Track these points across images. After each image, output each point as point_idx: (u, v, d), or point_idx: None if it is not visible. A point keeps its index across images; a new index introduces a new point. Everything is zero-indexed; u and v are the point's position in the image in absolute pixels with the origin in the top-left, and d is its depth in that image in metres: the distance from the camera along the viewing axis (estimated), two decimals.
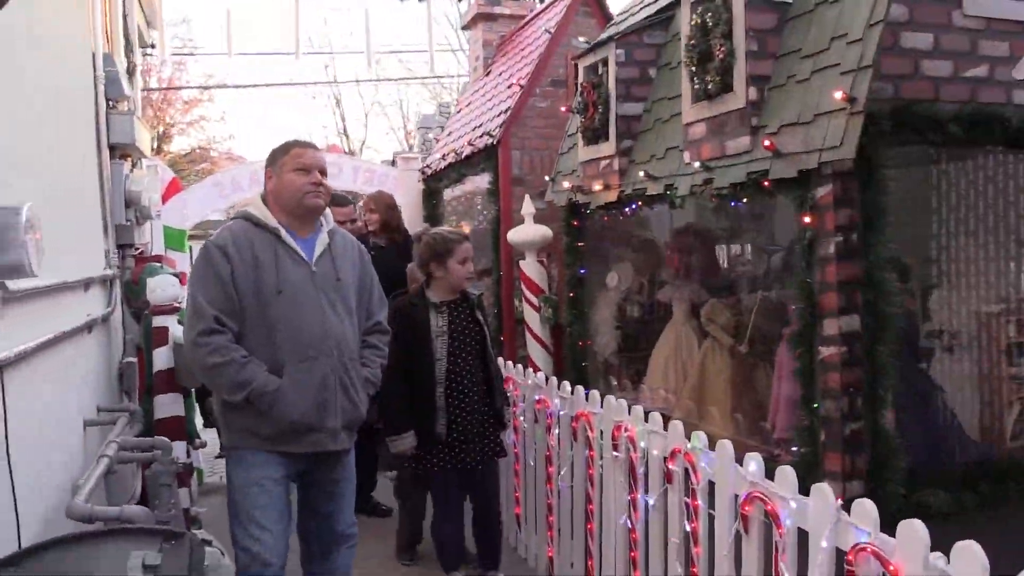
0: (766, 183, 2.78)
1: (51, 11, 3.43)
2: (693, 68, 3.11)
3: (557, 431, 3.45)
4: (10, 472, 2.22)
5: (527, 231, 4.97)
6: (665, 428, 2.77)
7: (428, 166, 7.11)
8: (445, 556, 3.47)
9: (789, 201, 2.73)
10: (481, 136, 5.79)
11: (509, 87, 5.84)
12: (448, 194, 7.01)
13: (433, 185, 7.05)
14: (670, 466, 2.80)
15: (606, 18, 5.73)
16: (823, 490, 2.16)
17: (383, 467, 4.81)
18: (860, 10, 2.57)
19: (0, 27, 2.21)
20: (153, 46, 8.16)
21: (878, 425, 2.58)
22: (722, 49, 2.93)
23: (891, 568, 1.92)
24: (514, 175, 5.53)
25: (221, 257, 2.57)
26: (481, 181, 5.96)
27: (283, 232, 2.63)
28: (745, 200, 3.01)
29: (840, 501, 2.12)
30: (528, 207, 5.00)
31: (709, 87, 3.02)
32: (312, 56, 18.52)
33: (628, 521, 3.03)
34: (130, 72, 6.12)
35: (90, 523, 2.57)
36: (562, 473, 3.45)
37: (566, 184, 4.42)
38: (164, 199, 6.42)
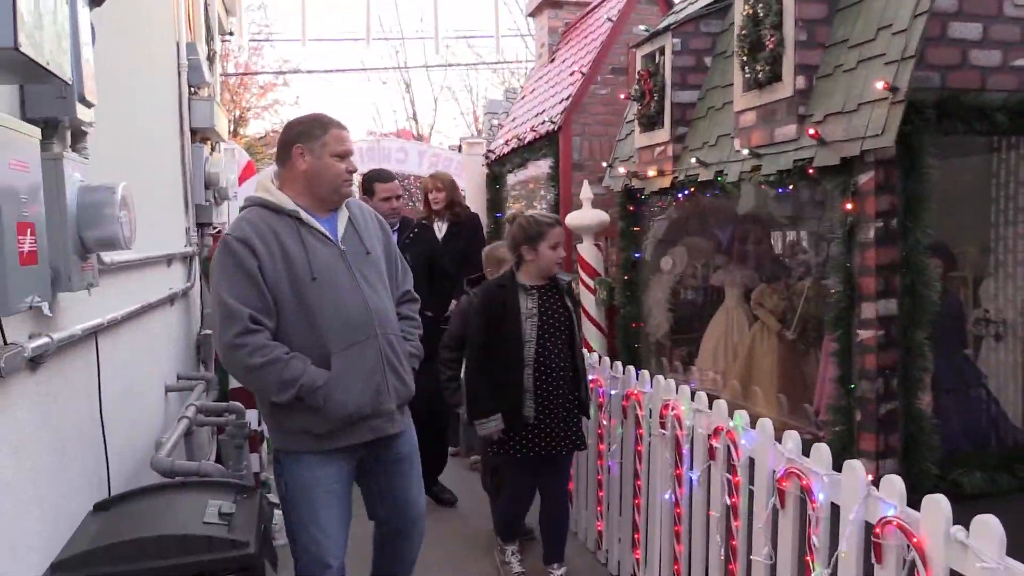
0: (811, 171, 2.85)
1: (141, 3, 3.72)
2: (744, 57, 3.19)
3: (608, 410, 3.56)
4: (103, 428, 2.49)
5: (585, 215, 5.10)
6: (711, 408, 2.87)
7: (492, 151, 7.29)
8: (505, 532, 3.52)
9: (833, 188, 2.80)
10: (543, 122, 5.93)
11: (571, 74, 5.96)
12: (511, 179, 7.17)
13: (497, 170, 7.23)
14: (713, 443, 2.90)
15: (668, 6, 5.79)
16: (854, 467, 2.26)
17: (468, 451, 4.94)
18: (906, 1, 2.61)
19: (98, 20, 2.45)
20: (231, 33, 8.53)
21: (912, 406, 2.64)
22: (772, 39, 3.01)
23: (915, 540, 2.01)
24: (574, 161, 5.66)
25: (246, 251, 2.40)
26: (543, 166, 6.11)
27: (303, 214, 2.49)
28: (791, 187, 3.08)
29: (871, 477, 2.22)
30: (587, 192, 5.13)
31: (759, 76, 3.10)
32: (384, 41, 18.86)
33: (673, 496, 3.16)
34: (210, 59, 6.47)
35: (171, 476, 2.83)
36: (611, 449, 3.55)
37: (622, 170, 4.53)
38: (240, 181, 6.75)
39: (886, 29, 2.65)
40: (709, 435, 2.92)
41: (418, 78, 24.96)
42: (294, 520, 2.54)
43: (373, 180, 4.31)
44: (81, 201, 2.14)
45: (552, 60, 7.15)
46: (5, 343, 1.71)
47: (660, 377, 3.16)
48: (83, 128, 2.35)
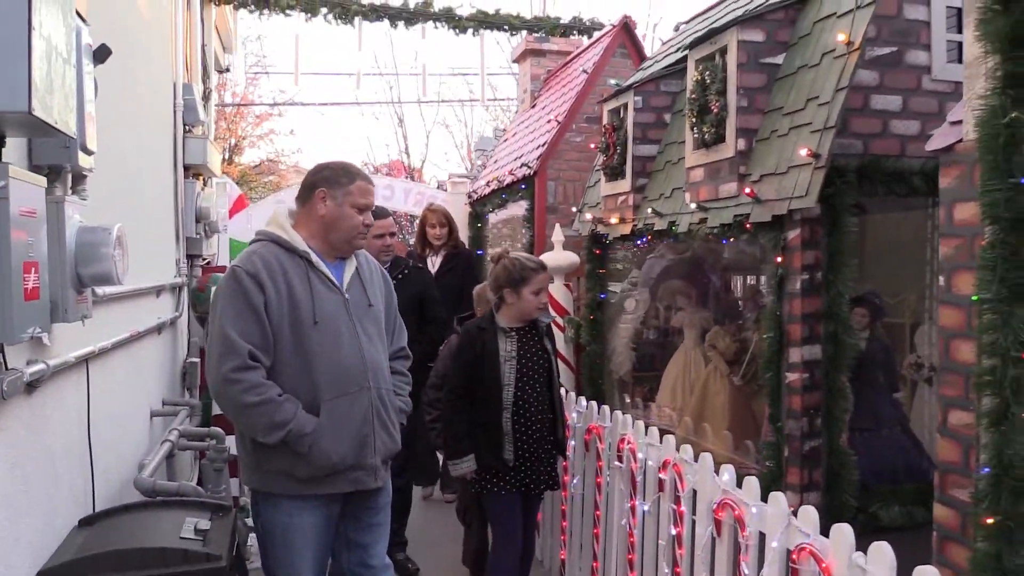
0: (748, 225, 3.13)
1: (142, 48, 4.00)
2: (693, 119, 3.48)
3: (573, 442, 3.67)
4: (90, 449, 2.69)
5: (556, 256, 5.36)
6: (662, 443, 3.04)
7: (475, 191, 7.58)
8: None
9: (767, 242, 3.07)
10: (521, 166, 6.23)
11: (548, 121, 6.28)
12: (492, 218, 7.45)
13: (479, 209, 7.52)
14: (661, 476, 3.11)
15: (641, 59, 6.12)
16: (778, 498, 2.49)
17: (443, 489, 4.92)
18: (831, 76, 2.91)
19: (101, 67, 2.70)
20: (228, 69, 8.84)
21: (834, 443, 2.89)
22: (717, 103, 3.30)
23: (823, 565, 2.25)
24: (549, 204, 5.95)
25: (254, 286, 2.39)
26: (520, 208, 6.40)
27: (314, 257, 2.48)
28: (732, 239, 3.36)
29: (792, 509, 2.45)
30: (558, 234, 5.40)
31: (706, 136, 3.39)
32: (378, 77, 19.28)
33: (628, 525, 3.35)
34: (205, 96, 6.77)
35: (152, 495, 3.02)
36: (575, 481, 3.70)
37: (588, 216, 4.81)
38: (231, 214, 6.99)
39: (813, 100, 2.94)
40: (659, 468, 3.13)
41: (411, 112, 25.36)
42: (270, 561, 2.52)
43: None
44: (79, 240, 2.36)
45: (533, 106, 7.48)
46: (7, 368, 1.94)
47: (618, 412, 3.32)
48: (83, 172, 2.60)
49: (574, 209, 5.34)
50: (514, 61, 8.16)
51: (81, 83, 2.36)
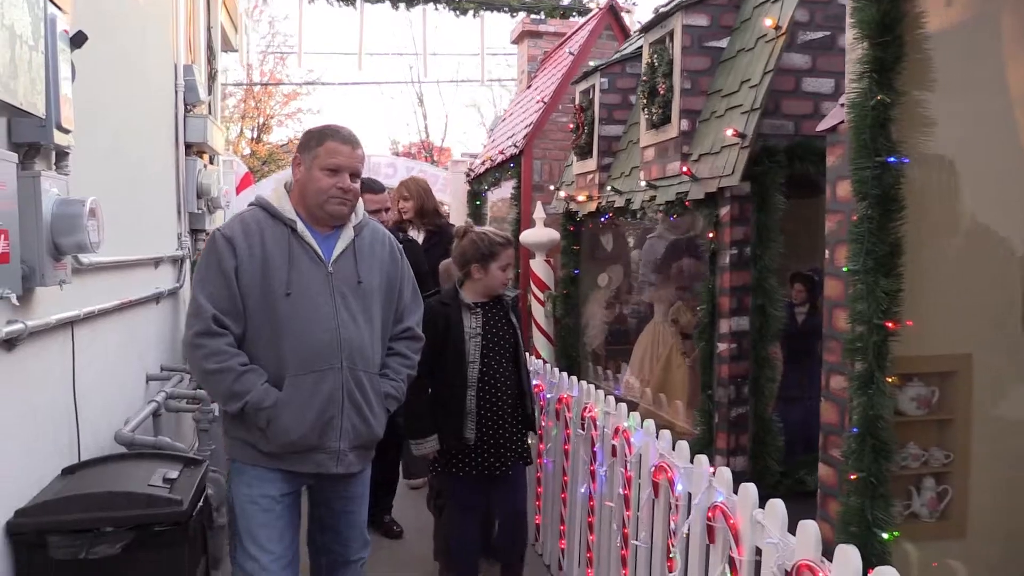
0: (687, 203, 3.29)
1: (141, 31, 4.25)
2: (644, 100, 3.64)
3: (547, 412, 3.79)
4: (75, 406, 2.95)
5: (537, 234, 5.55)
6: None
7: (472, 170, 7.76)
8: (459, 566, 3.32)
9: (703, 219, 3.23)
10: (511, 145, 6.40)
11: (537, 102, 6.43)
12: (491, 196, 7.65)
13: (476, 187, 7.71)
14: (613, 442, 3.31)
15: (626, 40, 6.24)
16: (701, 460, 2.67)
17: (407, 475, 4.71)
18: (761, 59, 3.05)
19: (98, 49, 2.91)
20: (236, 50, 9.10)
21: (760, 411, 3.05)
22: (663, 86, 3.45)
23: (731, 522, 2.44)
24: (535, 182, 6.12)
25: (227, 249, 2.32)
26: (510, 186, 6.57)
27: (299, 225, 2.36)
28: (676, 216, 3.52)
29: (713, 471, 2.63)
30: (539, 212, 5.57)
31: (654, 118, 3.54)
32: (394, 57, 19.45)
33: (588, 490, 3.55)
34: (211, 77, 7.02)
35: (132, 448, 3.27)
36: (548, 448, 3.84)
37: (562, 193, 4.98)
38: (238, 190, 7.26)
39: (746, 83, 3.08)
40: (612, 434, 3.31)
41: (431, 92, 25.54)
42: (234, 532, 2.46)
43: (362, 191, 4.21)
44: (56, 212, 2.58)
45: (529, 87, 7.63)
46: None
47: (583, 383, 3.45)
48: (65, 149, 2.84)
49: (551, 188, 5.52)
50: (512, 42, 8.30)
51: (55, 67, 2.59)
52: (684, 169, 3.22)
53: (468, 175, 7.89)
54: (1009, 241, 2.23)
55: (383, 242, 2.55)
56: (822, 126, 2.31)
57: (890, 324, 1.99)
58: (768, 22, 2.94)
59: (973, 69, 2.11)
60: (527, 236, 5.67)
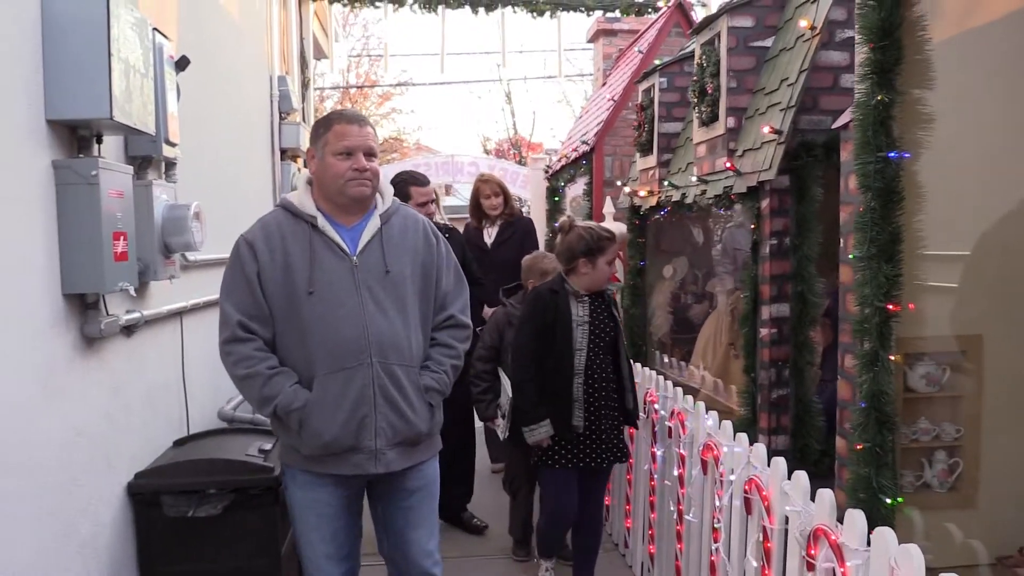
0: (732, 196, 3.47)
1: (238, 47, 4.76)
2: (695, 99, 3.82)
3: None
4: (184, 385, 3.40)
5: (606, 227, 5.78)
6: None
7: (549, 167, 8.03)
8: (544, 548, 3.43)
9: (746, 211, 3.40)
10: (583, 143, 6.64)
11: (608, 100, 6.64)
12: (569, 192, 7.90)
13: (554, 183, 7.97)
14: (669, 424, 3.51)
15: None
16: (741, 438, 2.89)
17: (491, 459, 4.75)
18: (798, 58, 3.20)
19: (202, 67, 3.35)
20: (327, 57, 9.68)
21: (800, 393, 3.21)
22: (711, 85, 3.63)
23: (763, 493, 2.66)
24: (605, 178, 6.33)
25: (249, 255, 2.30)
26: (584, 182, 6.81)
27: (320, 220, 2.29)
28: (724, 209, 3.69)
29: (752, 449, 2.82)
30: (609, 207, 5.81)
31: (704, 116, 3.73)
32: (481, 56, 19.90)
33: (650, 470, 3.77)
34: (305, 85, 7.57)
35: (232, 423, 3.71)
36: None
37: (627, 189, 5.20)
38: None
39: (784, 81, 3.24)
40: (668, 417, 3.51)
41: (518, 89, 25.95)
42: (297, 539, 2.46)
43: (408, 183, 4.00)
44: (166, 215, 3.02)
45: (604, 84, 7.84)
46: (107, 313, 2.62)
47: (645, 369, 3.66)
48: (172, 160, 3.30)
49: (619, 183, 5.73)
50: (588, 41, 8.51)
51: (163, 90, 3.04)
52: (728, 164, 3.41)
53: (546, 172, 8.16)
54: (1020, 230, 2.34)
55: (416, 228, 2.42)
56: (837, 123, 2.47)
57: (891, 306, 2.15)
58: (803, 23, 3.09)
59: (969, 68, 2.24)
60: None
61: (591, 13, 8.09)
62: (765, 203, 3.23)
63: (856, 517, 2.15)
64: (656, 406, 3.63)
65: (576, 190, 7.51)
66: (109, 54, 2.42)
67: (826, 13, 3.08)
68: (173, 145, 3.24)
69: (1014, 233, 2.33)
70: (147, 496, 2.83)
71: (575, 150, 6.83)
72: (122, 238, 2.66)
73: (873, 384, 2.20)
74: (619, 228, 5.77)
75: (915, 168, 2.20)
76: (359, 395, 2.25)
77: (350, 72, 23.91)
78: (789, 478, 2.47)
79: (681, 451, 3.47)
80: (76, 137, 2.56)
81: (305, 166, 7.23)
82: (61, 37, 2.32)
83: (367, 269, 2.29)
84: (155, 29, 3.00)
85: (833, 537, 2.22)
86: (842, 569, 2.13)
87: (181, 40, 3.61)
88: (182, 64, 3.38)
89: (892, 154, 2.14)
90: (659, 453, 3.72)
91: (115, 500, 2.82)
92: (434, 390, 2.36)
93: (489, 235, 4.93)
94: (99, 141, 2.67)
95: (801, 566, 2.21)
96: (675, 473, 3.60)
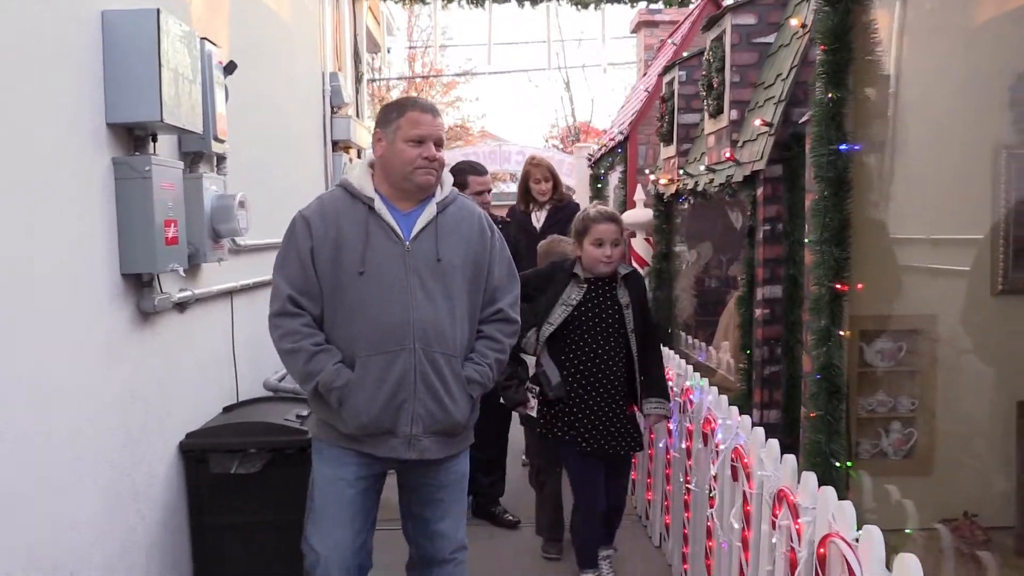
0: (733, 184, 3.67)
1: (290, 48, 5.16)
2: (704, 92, 4.03)
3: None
4: (234, 359, 3.79)
5: (636, 214, 6.01)
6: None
7: (591, 155, 8.26)
8: (584, 557, 3.44)
9: (744, 198, 3.60)
10: (618, 132, 6.85)
11: (643, 90, 6.83)
12: (611, 180, 8.12)
13: (596, 171, 8.20)
14: (681, 399, 3.75)
15: None
16: (732, 411, 3.14)
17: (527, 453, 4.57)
18: (791, 54, 3.38)
19: (255, 66, 3.72)
20: (390, 50, 10.08)
21: (791, 369, 3.40)
22: (717, 80, 3.83)
23: (744, 461, 2.91)
24: (639, 166, 6.54)
25: (304, 230, 2.31)
26: (620, 170, 7.03)
27: (377, 202, 2.30)
28: (729, 196, 3.89)
29: (739, 419, 3.06)
30: (639, 194, 6.03)
31: (711, 108, 3.93)
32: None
33: (665, 444, 4.01)
34: (358, 79, 7.98)
35: (276, 392, 4.10)
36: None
37: (652, 176, 5.42)
38: None
39: (779, 76, 3.42)
40: (681, 393, 3.74)
41: (576, 77, 26.06)
42: (309, 513, 2.47)
43: (467, 172, 4.10)
44: (215, 204, 3.42)
45: (645, 74, 8.01)
46: (161, 291, 3.02)
47: (668, 350, 3.90)
48: (222, 155, 3.69)
49: (647, 172, 5.94)
50: (631, 32, 8.67)
51: (212, 92, 3.43)
52: (727, 155, 3.61)
53: (589, 159, 8.40)
54: (977, 217, 2.51)
55: (471, 219, 2.44)
56: (803, 119, 2.67)
57: (838, 286, 2.35)
58: (794, 21, 3.27)
59: (916, 65, 2.41)
60: (627, 216, 6.14)
61: (635, 4, 8.27)
62: (760, 191, 3.43)
63: (808, 478, 2.39)
64: (671, 384, 3.89)
65: (615, 178, 7.72)
66: (159, 65, 2.81)
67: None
68: (221, 141, 3.64)
69: (969, 220, 2.50)
70: (196, 454, 3.23)
71: (612, 139, 7.05)
72: (173, 225, 3.05)
73: (825, 357, 2.41)
74: (646, 214, 6.00)
75: (869, 159, 2.39)
76: (399, 380, 2.26)
77: (416, 62, 24.42)
78: None
79: (689, 425, 3.72)
80: (133, 137, 2.96)
81: (359, 156, 7.66)
82: (119, 53, 2.72)
83: (418, 255, 2.30)
84: (204, 39, 3.39)
85: (792, 498, 2.46)
86: (796, 526, 2.37)
87: (232, 45, 4.01)
88: (230, 68, 3.77)
89: (843, 147, 2.34)
90: (673, 428, 3.98)
91: (168, 456, 3.23)
92: (476, 382, 2.36)
93: (538, 219, 4.98)
94: (154, 140, 3.07)
95: (769, 527, 2.45)
96: (683, 446, 3.86)
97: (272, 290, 2.37)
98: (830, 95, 2.33)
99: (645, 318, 3.26)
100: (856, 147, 2.35)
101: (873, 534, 1.93)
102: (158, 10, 2.69)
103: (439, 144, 2.32)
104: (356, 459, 2.37)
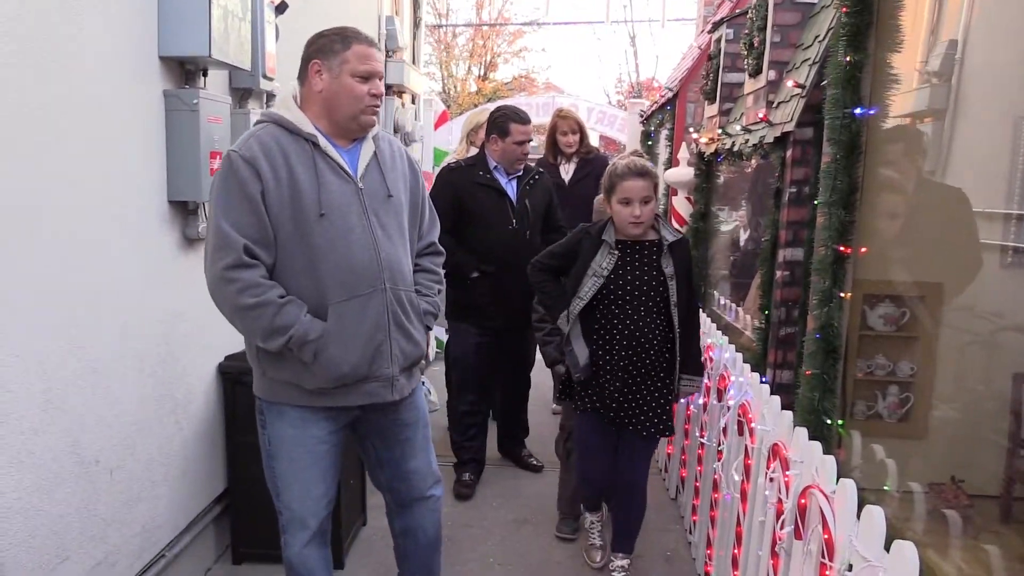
0: (766, 146, 3.68)
1: None
2: (745, 52, 4.01)
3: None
4: None
5: (678, 172, 6.01)
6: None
7: (643, 111, 8.21)
8: (587, 504, 3.48)
9: (775, 160, 3.62)
10: (668, 89, 6.81)
11: (696, 47, 6.75)
12: (660, 136, 8.08)
13: (647, 127, 8.16)
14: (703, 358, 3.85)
15: None
16: (744, 369, 3.24)
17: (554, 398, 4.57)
18: (829, 16, 3.35)
19: (309, 9, 3.85)
20: None
21: (805, 331, 3.45)
22: (758, 39, 3.82)
23: (748, 417, 3.02)
24: (687, 124, 6.50)
25: (250, 173, 2.09)
26: (668, 127, 7.00)
27: (321, 140, 2.17)
28: (762, 157, 3.90)
29: (751, 376, 3.15)
30: (683, 152, 6.02)
31: (751, 68, 3.92)
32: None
33: (687, 401, 4.14)
34: (416, 24, 8.05)
35: None
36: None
37: (695, 135, 5.41)
38: (436, 126, 8.29)
39: (816, 37, 3.40)
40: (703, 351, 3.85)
41: (642, 31, 25.55)
42: (276, 475, 2.33)
43: (509, 119, 3.92)
44: None
45: (703, 31, 7.87)
46: (205, 219, 3.22)
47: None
48: (272, 93, 3.85)
49: (690, 130, 5.92)
50: None
51: (262, 31, 3.58)
52: (761, 115, 3.62)
53: (641, 116, 8.35)
54: (993, 189, 2.51)
55: (402, 154, 2.41)
56: (824, 82, 2.68)
57: (842, 248, 2.40)
58: None
59: (941, 32, 2.40)
60: (669, 175, 6.16)
61: None
62: (788, 153, 3.45)
63: (799, 433, 2.48)
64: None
65: (664, 135, 7.69)
66: (210, 2, 2.96)
67: None
68: (271, 79, 3.80)
69: (984, 191, 2.50)
70: (233, 375, 3.47)
71: (663, 95, 7.01)
72: (218, 157, 3.23)
73: (826, 318, 2.47)
74: (689, 173, 6.00)
75: (885, 124, 2.41)
76: (375, 322, 2.20)
77: (483, 10, 24.25)
78: None
79: (708, 381, 3.83)
80: (184, 71, 3.14)
81: (412, 102, 7.74)
82: None
83: (370, 192, 2.24)
84: None
85: (784, 452, 2.57)
86: (785, 478, 2.48)
87: None
88: (281, 8, 3.91)
89: (857, 111, 2.37)
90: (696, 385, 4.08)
91: (207, 376, 3.47)
92: (431, 314, 2.39)
93: (567, 171, 5.12)
94: (204, 75, 3.24)
95: (765, 480, 2.57)
96: (700, 401, 3.97)
97: (215, 239, 2.12)
98: (848, 58, 2.35)
99: (691, 290, 3.05)
100: (871, 111, 2.37)
101: (847, 487, 2.04)
102: None
103: (381, 79, 2.24)
104: (324, 415, 2.28)
